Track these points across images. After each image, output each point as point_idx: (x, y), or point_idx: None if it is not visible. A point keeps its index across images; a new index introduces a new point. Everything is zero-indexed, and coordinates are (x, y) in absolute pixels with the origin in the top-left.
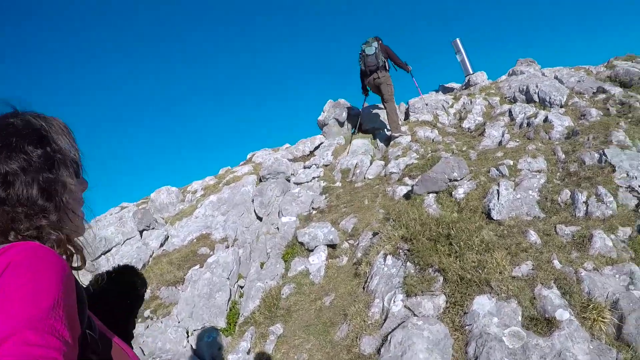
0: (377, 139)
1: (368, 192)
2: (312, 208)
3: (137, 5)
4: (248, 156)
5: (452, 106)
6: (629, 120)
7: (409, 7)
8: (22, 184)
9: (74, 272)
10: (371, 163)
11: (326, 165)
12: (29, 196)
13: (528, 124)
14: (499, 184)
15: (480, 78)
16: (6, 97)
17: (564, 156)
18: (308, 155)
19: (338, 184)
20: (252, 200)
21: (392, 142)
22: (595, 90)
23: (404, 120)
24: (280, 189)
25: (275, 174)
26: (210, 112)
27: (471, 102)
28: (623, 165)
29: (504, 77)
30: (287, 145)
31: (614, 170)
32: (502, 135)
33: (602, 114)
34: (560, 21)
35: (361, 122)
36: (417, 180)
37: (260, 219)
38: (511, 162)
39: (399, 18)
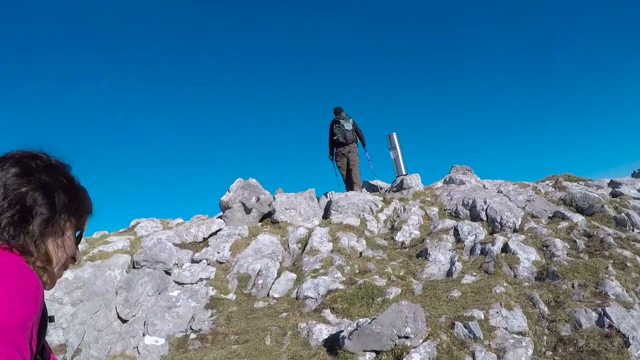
0: (289, 238)
1: (272, 323)
2: (191, 329)
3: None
4: (131, 223)
5: (381, 210)
6: (612, 262)
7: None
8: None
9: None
10: (279, 274)
11: (220, 263)
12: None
13: (482, 252)
14: (473, 354)
15: (414, 181)
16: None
17: (547, 310)
18: (200, 242)
19: (232, 295)
20: (116, 293)
21: (307, 250)
22: (551, 215)
23: (323, 218)
24: (156, 285)
25: (153, 262)
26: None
27: (404, 209)
28: (637, 335)
29: (439, 184)
30: (180, 220)
31: (626, 343)
32: (452, 263)
33: (568, 246)
34: (497, 131)
35: (274, 209)
36: (349, 330)
37: (123, 321)
38: (481, 315)
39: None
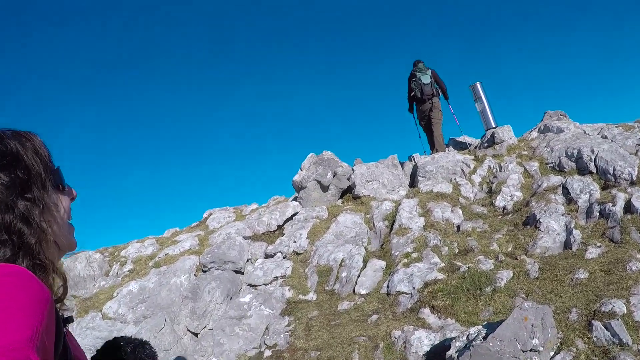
0: (374, 215)
1: (359, 331)
2: (265, 344)
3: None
4: (204, 215)
5: (474, 171)
6: None
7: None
8: None
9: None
10: (365, 263)
11: (298, 254)
12: (4, 222)
13: (602, 214)
14: None
15: (507, 134)
16: None
17: None
18: (275, 231)
19: (311, 295)
20: (182, 303)
21: (395, 228)
22: None
23: (410, 187)
24: (225, 290)
25: (221, 262)
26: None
27: (500, 167)
28: None
29: (534, 134)
30: (255, 205)
31: None
32: (568, 231)
33: None
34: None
35: (354, 183)
36: (458, 345)
37: (195, 334)
38: (623, 307)
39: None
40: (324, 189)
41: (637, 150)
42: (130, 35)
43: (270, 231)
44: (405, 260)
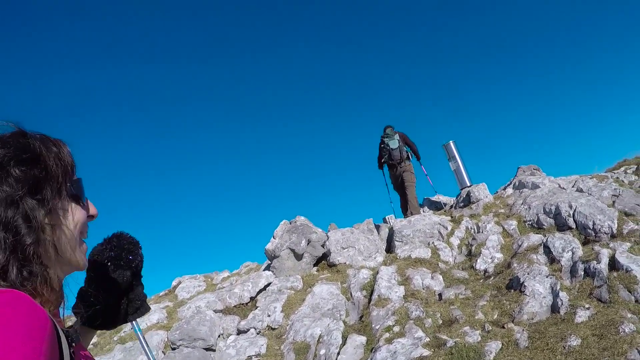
0: (351, 284)
1: None
2: None
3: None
4: (173, 283)
5: (452, 233)
6: None
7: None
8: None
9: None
10: (345, 338)
11: (272, 329)
12: (3, 218)
13: (587, 272)
14: None
15: (482, 192)
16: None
17: None
18: (248, 303)
19: None
20: None
21: (374, 299)
22: None
23: (387, 252)
24: None
25: (190, 340)
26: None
27: (478, 228)
28: None
29: (510, 191)
30: (226, 273)
31: None
32: (554, 294)
33: None
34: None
35: (329, 250)
36: None
37: None
38: None
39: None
40: (298, 257)
41: (613, 201)
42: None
43: (242, 304)
44: (387, 335)
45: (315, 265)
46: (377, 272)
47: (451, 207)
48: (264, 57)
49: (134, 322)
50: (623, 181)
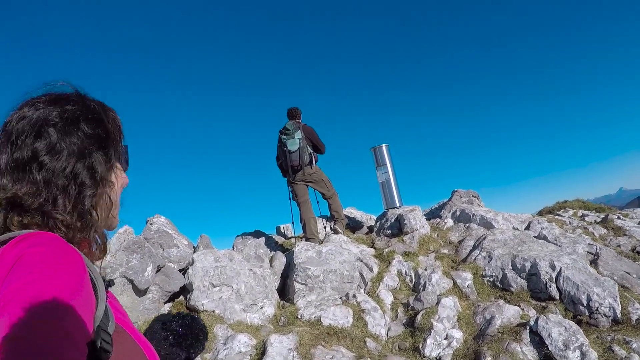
0: (218, 356)
1: None
2: None
3: None
4: None
5: (380, 278)
6: None
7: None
8: (70, 156)
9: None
10: None
11: None
12: (72, 169)
13: None
14: None
15: (417, 220)
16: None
17: None
18: None
19: None
20: None
21: None
22: None
23: (280, 298)
24: None
25: None
26: None
27: (419, 277)
28: None
29: (449, 222)
30: None
31: None
32: None
33: None
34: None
35: (191, 284)
36: None
37: None
38: None
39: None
40: (140, 292)
41: (595, 263)
42: None
43: None
44: None
45: (169, 301)
46: (265, 348)
47: (371, 229)
48: None
49: None
50: (592, 233)
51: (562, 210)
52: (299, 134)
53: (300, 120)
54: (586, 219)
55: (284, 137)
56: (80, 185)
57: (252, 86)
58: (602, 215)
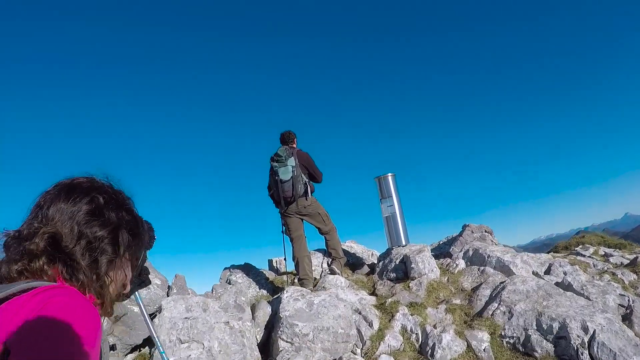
0: None
1: None
2: None
3: None
4: None
5: (382, 337)
6: None
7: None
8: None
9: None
10: None
11: None
12: (102, 237)
13: None
14: None
15: (427, 264)
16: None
17: None
18: None
19: None
20: None
21: None
22: None
23: (263, 357)
24: None
25: None
26: None
27: (427, 335)
28: None
29: (461, 264)
30: None
31: None
32: None
33: None
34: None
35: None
36: None
37: None
38: None
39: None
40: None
41: (628, 319)
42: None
43: None
44: None
45: (131, 352)
46: None
47: (372, 268)
48: None
49: (136, 292)
50: (622, 279)
51: (581, 247)
52: (292, 161)
53: (294, 145)
54: (611, 259)
55: (276, 164)
56: (102, 252)
57: (246, 107)
58: (627, 255)
